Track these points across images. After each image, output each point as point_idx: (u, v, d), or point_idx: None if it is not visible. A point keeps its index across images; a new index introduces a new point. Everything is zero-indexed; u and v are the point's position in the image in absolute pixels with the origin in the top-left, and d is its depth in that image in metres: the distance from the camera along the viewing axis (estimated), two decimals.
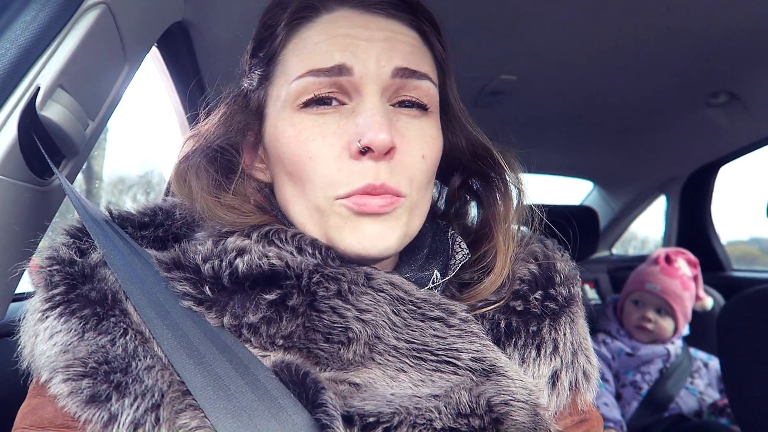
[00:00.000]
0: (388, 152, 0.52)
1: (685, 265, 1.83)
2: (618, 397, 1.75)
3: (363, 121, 0.52)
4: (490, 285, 0.59)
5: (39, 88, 0.60)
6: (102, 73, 0.72)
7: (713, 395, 1.71)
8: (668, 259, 1.83)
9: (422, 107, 0.57)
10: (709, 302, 1.86)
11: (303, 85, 0.54)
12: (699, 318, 1.93)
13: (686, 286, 1.79)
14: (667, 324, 1.76)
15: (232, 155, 0.60)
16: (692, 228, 2.31)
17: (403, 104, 0.56)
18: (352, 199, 0.52)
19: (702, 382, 1.74)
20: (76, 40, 0.63)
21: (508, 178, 0.64)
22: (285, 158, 0.55)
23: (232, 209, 0.56)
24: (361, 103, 0.54)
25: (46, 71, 0.61)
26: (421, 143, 0.56)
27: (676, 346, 1.77)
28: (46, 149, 0.62)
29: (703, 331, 1.88)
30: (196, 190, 0.56)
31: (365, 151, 0.52)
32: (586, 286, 2.32)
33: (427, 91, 0.57)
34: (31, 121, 0.60)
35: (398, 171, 0.54)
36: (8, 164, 0.60)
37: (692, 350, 1.81)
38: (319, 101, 0.54)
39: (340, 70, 0.53)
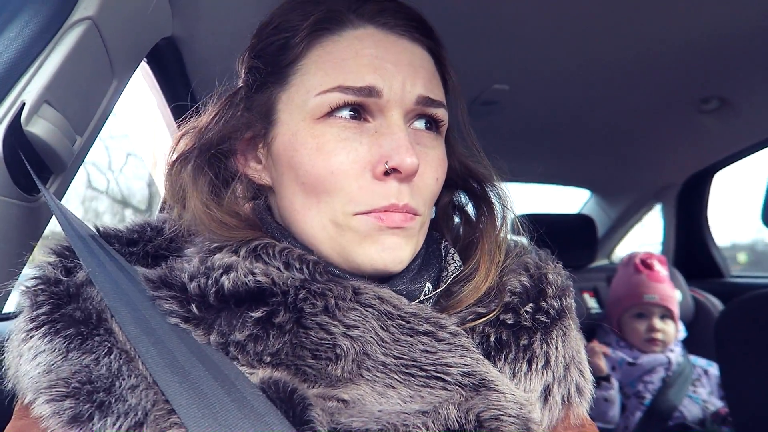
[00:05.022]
0: (412, 174, 0.54)
1: (661, 267, 1.86)
2: (622, 408, 1.73)
3: (391, 143, 0.53)
4: (470, 294, 0.59)
5: (24, 103, 0.60)
6: (90, 89, 0.72)
7: (716, 403, 1.69)
8: (647, 265, 1.84)
9: (438, 130, 0.59)
10: (678, 295, 1.90)
11: (329, 100, 0.54)
12: (697, 323, 1.93)
13: (672, 286, 1.84)
14: (671, 328, 1.78)
15: (225, 160, 0.59)
16: (689, 234, 2.31)
17: (422, 120, 0.58)
18: (373, 214, 0.54)
19: (704, 391, 1.72)
20: (61, 56, 0.63)
21: (494, 193, 0.66)
22: (301, 169, 0.55)
23: (221, 223, 0.55)
24: (386, 125, 0.55)
25: (32, 87, 0.61)
26: (435, 166, 0.58)
27: (676, 354, 1.76)
28: (33, 165, 0.61)
29: (702, 337, 1.88)
30: (191, 196, 0.56)
31: (390, 172, 0.53)
32: (586, 295, 2.30)
33: (442, 117, 0.59)
34: (16, 137, 0.60)
35: (417, 192, 0.56)
36: None
37: (692, 357, 1.80)
38: (350, 112, 0.55)
39: (370, 91, 0.54)
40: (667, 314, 1.78)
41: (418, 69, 0.56)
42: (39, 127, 0.62)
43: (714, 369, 1.76)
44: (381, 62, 0.55)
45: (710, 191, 2.23)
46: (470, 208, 0.68)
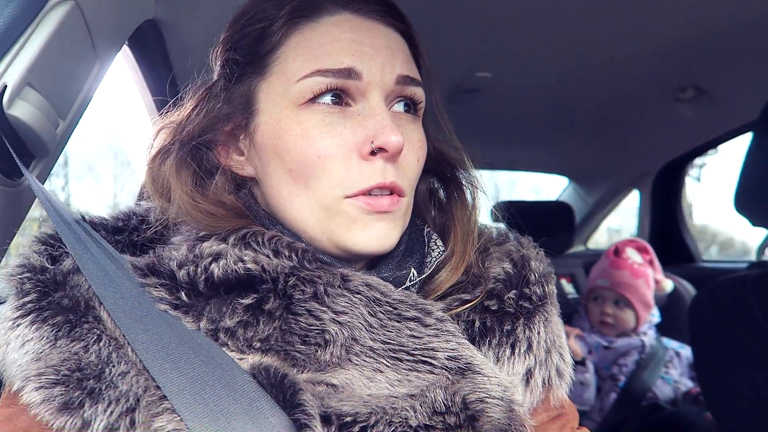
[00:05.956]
0: (398, 152, 0.54)
1: (634, 254, 1.85)
2: (598, 390, 1.78)
3: (375, 124, 0.54)
4: (449, 276, 0.60)
5: (6, 86, 0.58)
6: (72, 71, 0.71)
7: (687, 383, 1.75)
8: (617, 251, 1.86)
9: (416, 112, 0.60)
10: (668, 284, 1.90)
11: (310, 85, 0.54)
12: (670, 307, 1.98)
13: (637, 273, 1.80)
14: (626, 315, 1.79)
15: (206, 151, 0.59)
16: (663, 221, 2.36)
17: (401, 103, 0.59)
18: (362, 198, 0.54)
19: (676, 372, 1.78)
20: (44, 37, 0.61)
21: (464, 176, 0.67)
22: (288, 155, 0.55)
23: (209, 214, 0.55)
24: (368, 107, 0.55)
25: (13, 69, 0.59)
26: (416, 147, 0.59)
27: (649, 337, 1.81)
28: (15, 149, 0.60)
29: (675, 320, 1.93)
30: (175, 189, 0.56)
31: (376, 152, 0.54)
32: (563, 281, 2.35)
33: (420, 97, 0.60)
34: None
35: (401, 172, 0.56)
36: None
37: (664, 340, 1.85)
38: (331, 97, 0.55)
39: (350, 73, 0.54)
40: (623, 300, 1.78)
41: (395, 51, 0.57)
42: (21, 111, 0.60)
43: (685, 351, 1.82)
44: (359, 46, 0.55)
45: (684, 179, 2.28)
46: (442, 193, 0.70)
